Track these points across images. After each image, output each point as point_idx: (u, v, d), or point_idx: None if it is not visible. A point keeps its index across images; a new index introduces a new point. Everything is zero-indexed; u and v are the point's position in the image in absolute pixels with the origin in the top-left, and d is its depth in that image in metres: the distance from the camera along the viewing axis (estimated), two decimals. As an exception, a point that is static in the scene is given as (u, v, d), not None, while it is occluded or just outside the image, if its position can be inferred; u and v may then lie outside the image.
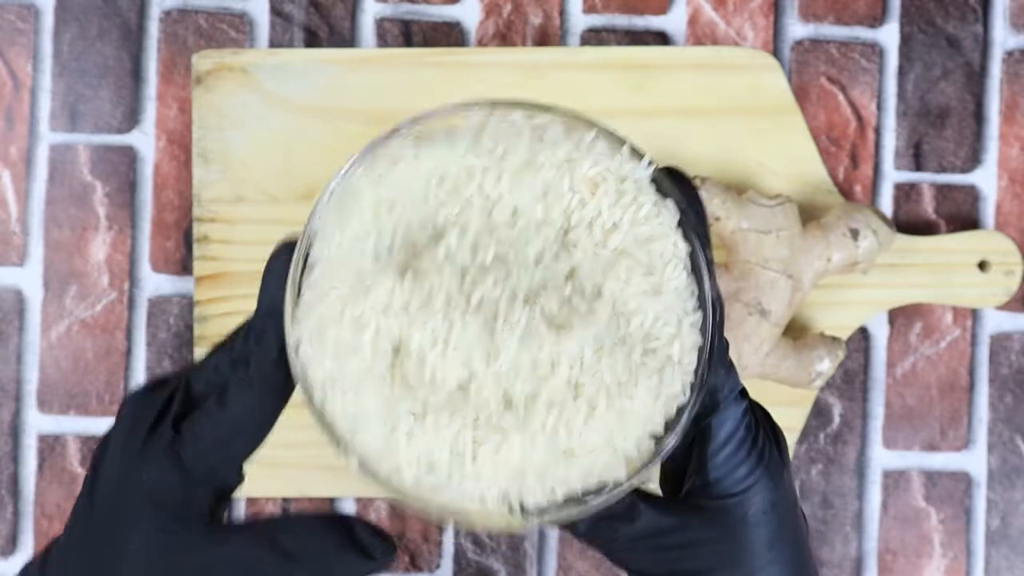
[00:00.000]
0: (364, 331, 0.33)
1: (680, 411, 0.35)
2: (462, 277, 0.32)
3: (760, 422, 0.39)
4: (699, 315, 0.35)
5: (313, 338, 0.34)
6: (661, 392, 0.34)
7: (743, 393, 0.38)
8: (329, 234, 0.34)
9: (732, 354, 0.55)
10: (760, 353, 0.61)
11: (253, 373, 0.36)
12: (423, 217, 0.33)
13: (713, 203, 0.61)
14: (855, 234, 0.61)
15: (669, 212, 0.35)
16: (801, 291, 0.61)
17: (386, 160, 0.34)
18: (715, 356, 0.36)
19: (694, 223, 0.35)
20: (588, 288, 0.33)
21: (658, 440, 0.35)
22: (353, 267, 0.33)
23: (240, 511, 0.66)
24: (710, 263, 0.35)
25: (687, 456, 0.38)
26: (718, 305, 0.36)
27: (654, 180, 0.35)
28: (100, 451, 0.39)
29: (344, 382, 0.33)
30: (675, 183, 0.36)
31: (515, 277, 0.32)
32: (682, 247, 0.35)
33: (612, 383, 0.33)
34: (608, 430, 0.33)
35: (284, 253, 0.36)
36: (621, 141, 0.35)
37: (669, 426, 0.35)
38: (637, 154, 0.35)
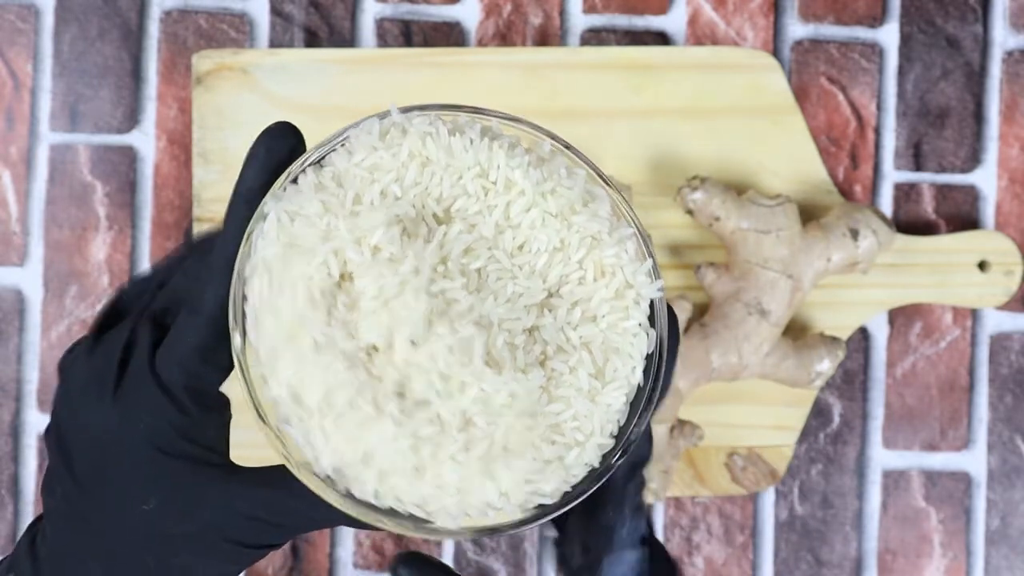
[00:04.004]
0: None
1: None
2: (439, 262, 0.33)
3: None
4: (611, 439, 0.35)
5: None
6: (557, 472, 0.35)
7: (645, 540, 0.37)
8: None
9: (732, 354, 0.56)
10: (760, 353, 0.61)
11: (218, 259, 0.34)
12: (433, 192, 0.34)
13: (713, 203, 0.61)
14: (855, 234, 0.61)
15: (645, 341, 0.35)
16: (801, 291, 0.61)
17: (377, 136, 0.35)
18: (624, 498, 0.36)
19: (657, 367, 0.35)
20: (536, 351, 0.34)
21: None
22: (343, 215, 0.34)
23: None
24: (653, 406, 0.35)
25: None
26: (647, 445, 0.36)
27: (653, 305, 0.35)
28: (57, 420, 0.35)
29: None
30: (669, 323, 0.36)
31: (483, 298, 0.34)
32: (637, 375, 0.35)
33: (507, 442, 0.34)
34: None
35: (274, 137, 0.35)
36: (650, 254, 0.36)
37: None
38: (655, 273, 0.35)
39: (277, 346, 0.33)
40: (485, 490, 0.33)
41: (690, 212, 0.62)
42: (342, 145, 0.35)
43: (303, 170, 0.35)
